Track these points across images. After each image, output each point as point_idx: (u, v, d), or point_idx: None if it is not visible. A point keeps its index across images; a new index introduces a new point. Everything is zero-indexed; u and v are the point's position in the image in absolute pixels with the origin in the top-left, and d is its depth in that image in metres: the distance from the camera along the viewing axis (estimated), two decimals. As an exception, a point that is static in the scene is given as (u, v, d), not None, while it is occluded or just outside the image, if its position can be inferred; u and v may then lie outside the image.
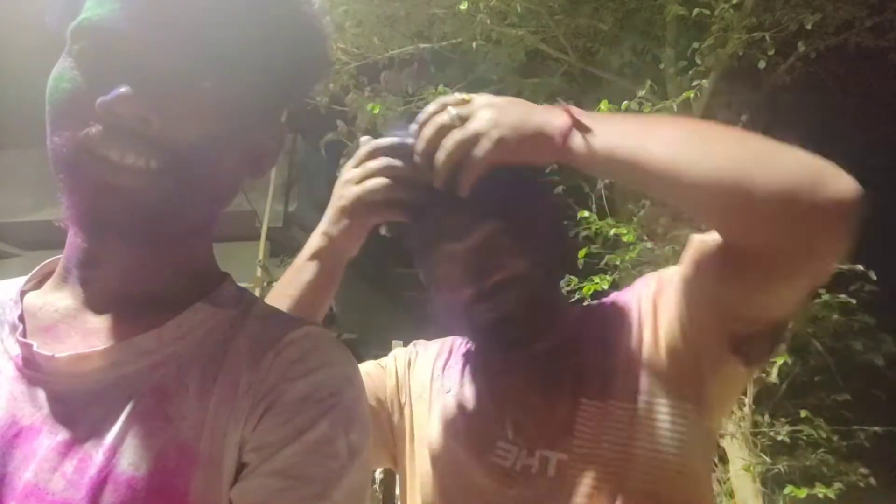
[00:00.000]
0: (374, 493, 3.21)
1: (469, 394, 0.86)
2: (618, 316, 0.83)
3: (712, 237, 0.71)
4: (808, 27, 3.28)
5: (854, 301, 3.20)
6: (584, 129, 0.67)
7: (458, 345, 0.94)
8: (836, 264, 0.67)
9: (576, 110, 0.68)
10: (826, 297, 3.20)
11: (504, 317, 0.77)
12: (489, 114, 0.69)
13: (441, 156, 0.70)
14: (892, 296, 3.25)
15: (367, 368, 0.94)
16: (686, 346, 0.74)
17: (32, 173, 4.71)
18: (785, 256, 0.62)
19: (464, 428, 0.83)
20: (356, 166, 0.78)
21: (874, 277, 3.08)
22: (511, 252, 0.77)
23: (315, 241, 0.81)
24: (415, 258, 0.84)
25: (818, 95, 4.10)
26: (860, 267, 3.10)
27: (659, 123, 0.71)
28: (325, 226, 0.80)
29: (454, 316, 0.81)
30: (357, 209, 0.77)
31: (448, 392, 0.88)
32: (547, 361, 0.82)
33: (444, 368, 0.92)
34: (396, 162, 0.75)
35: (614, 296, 0.88)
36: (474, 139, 0.69)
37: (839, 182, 0.58)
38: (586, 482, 0.73)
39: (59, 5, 0.55)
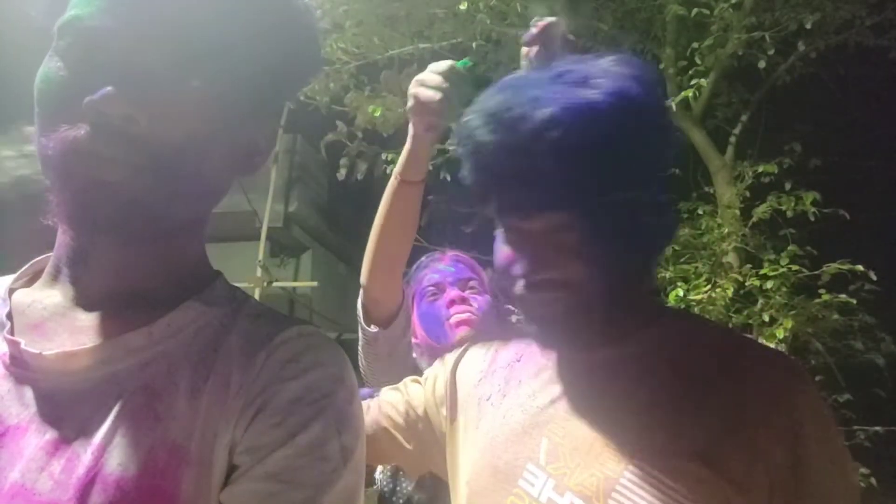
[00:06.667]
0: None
1: (507, 403, 0.76)
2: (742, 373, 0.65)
3: None
4: (808, 27, 3.27)
5: (854, 301, 3.19)
6: None
7: (507, 345, 0.84)
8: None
9: None
10: (826, 297, 3.19)
11: (546, 318, 0.68)
12: None
13: None
14: (892, 296, 3.25)
15: (408, 388, 0.92)
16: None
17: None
18: None
19: (494, 442, 0.74)
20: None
21: (874, 277, 3.07)
22: (573, 252, 0.66)
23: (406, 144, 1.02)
24: (480, 204, 0.72)
25: (818, 95, 4.09)
26: (860, 267, 3.10)
27: None
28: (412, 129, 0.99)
29: (507, 293, 0.74)
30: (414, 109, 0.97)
31: (487, 399, 0.79)
32: (606, 378, 0.69)
33: (486, 372, 0.83)
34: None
35: (747, 343, 0.72)
36: None
37: None
38: None
39: (46, 2, 0.54)
